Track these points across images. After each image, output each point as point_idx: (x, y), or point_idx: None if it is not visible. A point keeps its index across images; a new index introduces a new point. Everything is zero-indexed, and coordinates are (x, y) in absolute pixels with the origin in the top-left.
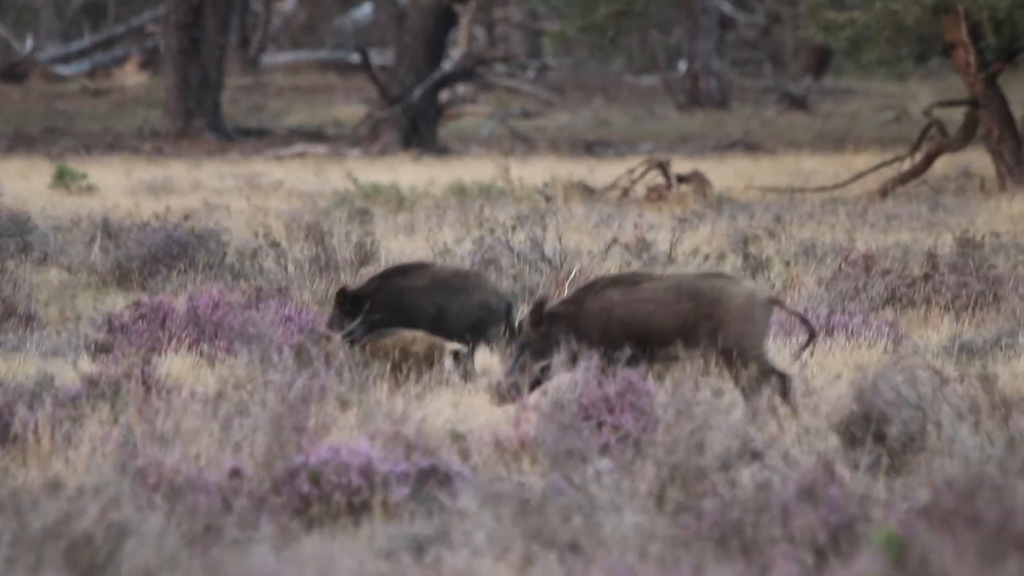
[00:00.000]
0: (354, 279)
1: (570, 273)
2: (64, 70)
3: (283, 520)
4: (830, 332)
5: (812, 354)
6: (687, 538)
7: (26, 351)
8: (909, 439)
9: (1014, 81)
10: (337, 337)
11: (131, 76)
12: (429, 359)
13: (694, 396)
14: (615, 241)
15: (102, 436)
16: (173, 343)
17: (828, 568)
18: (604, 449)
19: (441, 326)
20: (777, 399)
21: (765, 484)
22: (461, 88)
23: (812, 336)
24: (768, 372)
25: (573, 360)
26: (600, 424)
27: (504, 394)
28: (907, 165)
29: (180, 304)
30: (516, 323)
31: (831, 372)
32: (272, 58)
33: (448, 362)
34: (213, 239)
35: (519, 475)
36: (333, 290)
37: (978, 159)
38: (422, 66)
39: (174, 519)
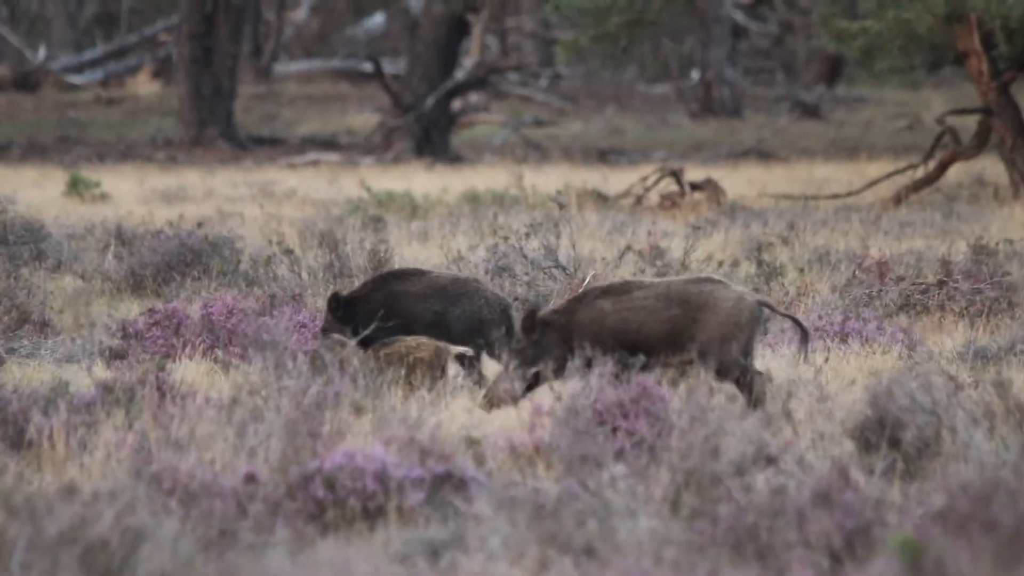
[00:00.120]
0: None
1: (584, 280)
2: (77, 79)
3: (298, 525)
4: (844, 339)
5: (827, 359)
6: (702, 543)
7: (41, 358)
8: (924, 444)
9: None
10: (352, 343)
11: (144, 85)
12: (435, 365)
13: (709, 402)
14: (629, 248)
15: (117, 442)
16: (187, 349)
17: (843, 573)
18: (619, 454)
19: (442, 332)
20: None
21: (780, 489)
22: (474, 97)
23: (806, 337)
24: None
25: (588, 365)
26: (615, 429)
27: (495, 400)
28: (920, 173)
29: (194, 311)
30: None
31: (846, 378)
32: (285, 67)
33: (454, 367)
34: (227, 246)
35: (534, 480)
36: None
37: (991, 167)
38: (435, 75)
39: (189, 524)
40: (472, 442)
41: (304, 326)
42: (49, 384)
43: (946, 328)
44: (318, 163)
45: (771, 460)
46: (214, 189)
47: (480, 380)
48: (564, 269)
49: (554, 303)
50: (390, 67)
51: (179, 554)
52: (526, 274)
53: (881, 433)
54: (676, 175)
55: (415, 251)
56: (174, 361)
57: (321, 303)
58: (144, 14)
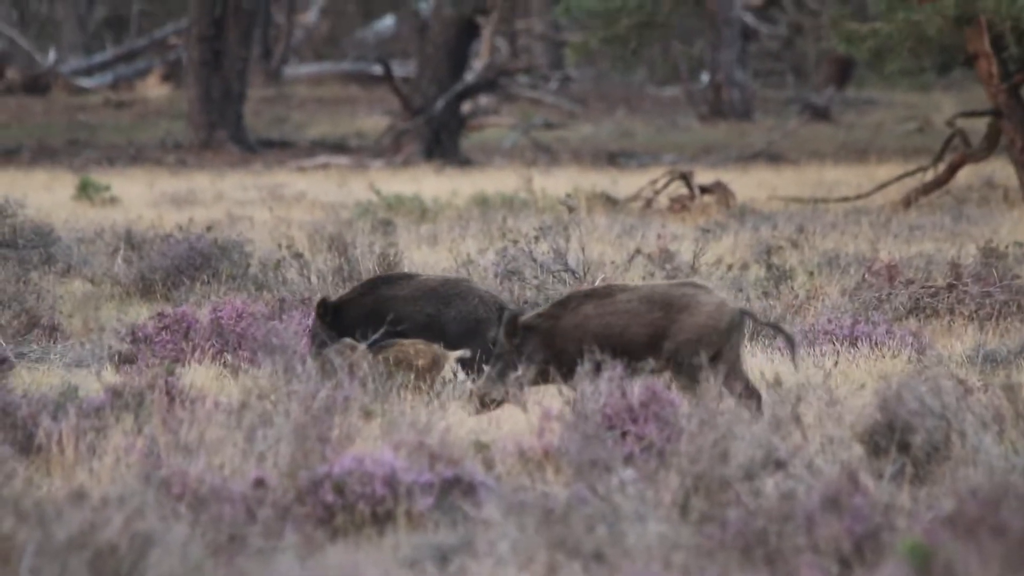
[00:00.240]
0: None
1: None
2: (87, 82)
3: (307, 530)
4: (854, 342)
5: (836, 363)
6: (711, 548)
7: (50, 362)
8: (933, 448)
9: None
10: (362, 347)
11: (154, 88)
12: (434, 370)
13: (718, 406)
14: (638, 251)
15: (126, 446)
16: (197, 354)
17: None
18: (628, 459)
19: (436, 334)
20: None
21: (789, 493)
22: (483, 99)
23: (792, 344)
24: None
25: (597, 370)
26: (624, 434)
27: (479, 404)
28: (930, 175)
29: (203, 315)
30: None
31: (855, 382)
32: (294, 70)
33: (453, 368)
34: (236, 250)
35: (543, 485)
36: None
37: (1001, 169)
38: (444, 78)
39: (198, 529)
40: (481, 447)
41: None
42: (58, 388)
43: (956, 332)
44: (328, 166)
45: (780, 464)
46: (224, 192)
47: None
48: (574, 272)
49: (537, 308)
50: (400, 70)
51: (188, 559)
52: (535, 278)
53: (890, 437)
54: (686, 178)
55: (424, 254)
56: (183, 365)
57: None
58: (154, 17)
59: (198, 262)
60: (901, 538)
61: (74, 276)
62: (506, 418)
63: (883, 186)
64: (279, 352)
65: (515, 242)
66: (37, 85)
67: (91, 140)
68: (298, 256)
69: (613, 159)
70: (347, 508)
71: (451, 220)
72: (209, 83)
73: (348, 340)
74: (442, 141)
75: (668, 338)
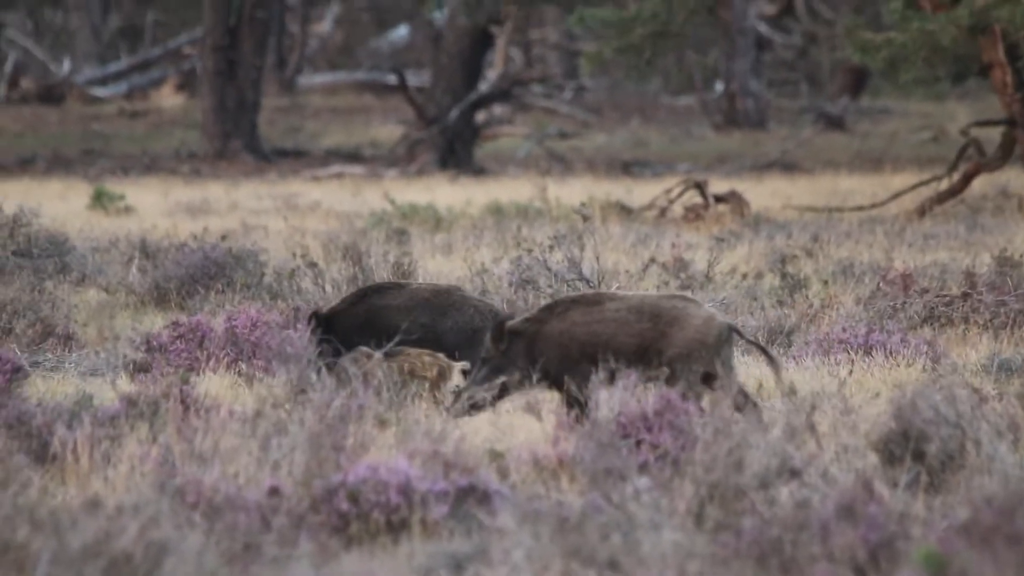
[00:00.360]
0: None
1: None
2: (101, 92)
3: (322, 538)
4: (868, 351)
5: (851, 372)
6: (726, 556)
7: (65, 371)
8: (948, 457)
9: None
10: (377, 355)
11: (168, 98)
12: (440, 381)
13: (732, 414)
14: (653, 260)
15: (141, 455)
16: (211, 363)
17: None
18: (643, 467)
19: (432, 345)
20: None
21: (804, 502)
22: (498, 109)
23: (775, 365)
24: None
25: (612, 378)
26: (639, 442)
27: (462, 409)
28: (945, 185)
29: (218, 324)
30: None
31: (870, 390)
32: (309, 79)
33: (458, 380)
34: (251, 259)
35: (558, 493)
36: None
37: (1016, 178)
38: (459, 87)
39: (213, 537)
40: (496, 455)
41: None
42: (73, 397)
43: (970, 340)
44: (342, 175)
45: (795, 473)
46: (238, 202)
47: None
48: (588, 281)
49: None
50: (414, 79)
51: (203, 568)
52: (550, 286)
53: (905, 446)
54: (700, 187)
55: (439, 263)
56: (198, 374)
57: None
58: (168, 27)
59: (212, 271)
60: (916, 547)
61: (89, 285)
62: (521, 426)
63: (898, 195)
64: (293, 361)
65: (529, 251)
66: (52, 95)
67: (106, 150)
68: (312, 265)
69: (627, 168)
70: (362, 516)
71: (465, 229)
72: (223, 93)
73: (364, 348)
74: (456, 150)
75: (659, 352)
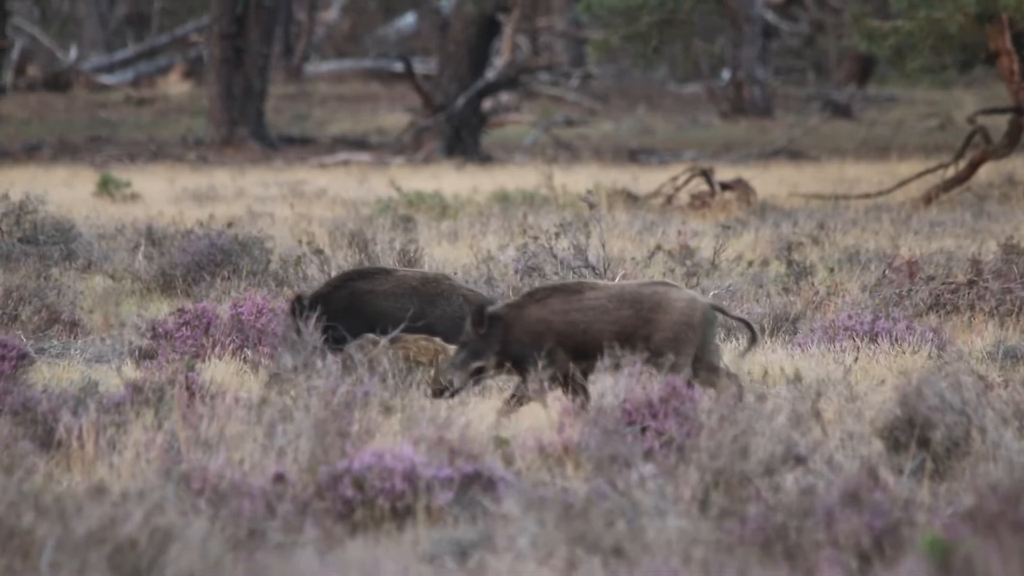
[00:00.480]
0: None
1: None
2: (108, 79)
3: (327, 525)
4: (874, 338)
5: (856, 359)
6: (731, 543)
7: (71, 357)
8: (953, 444)
9: None
10: (383, 341)
11: (175, 85)
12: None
13: (737, 401)
14: (659, 248)
15: (146, 442)
16: (217, 349)
17: (872, 572)
18: (648, 454)
19: (420, 332)
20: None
21: (809, 489)
22: (504, 96)
23: (754, 339)
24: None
25: (616, 366)
26: (644, 429)
27: (439, 390)
28: (951, 172)
29: (224, 311)
30: None
31: (875, 378)
32: (316, 67)
33: None
34: (257, 246)
35: (563, 480)
36: None
37: (1022, 166)
38: (465, 75)
39: (218, 523)
40: (501, 442)
41: None
42: (79, 384)
43: (976, 328)
44: (348, 163)
45: (800, 460)
46: (244, 189)
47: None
48: (594, 269)
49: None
50: (421, 67)
51: (208, 554)
52: (556, 274)
53: (910, 433)
54: (706, 175)
55: (445, 251)
56: (203, 361)
57: None
58: (175, 14)
59: (218, 258)
60: (921, 533)
61: (95, 272)
62: (526, 413)
63: (904, 183)
64: (299, 348)
65: (535, 238)
66: (58, 82)
67: (112, 137)
68: (318, 252)
69: (634, 156)
70: (367, 503)
71: (471, 217)
72: (230, 80)
73: (370, 336)
74: (463, 138)
75: (646, 338)
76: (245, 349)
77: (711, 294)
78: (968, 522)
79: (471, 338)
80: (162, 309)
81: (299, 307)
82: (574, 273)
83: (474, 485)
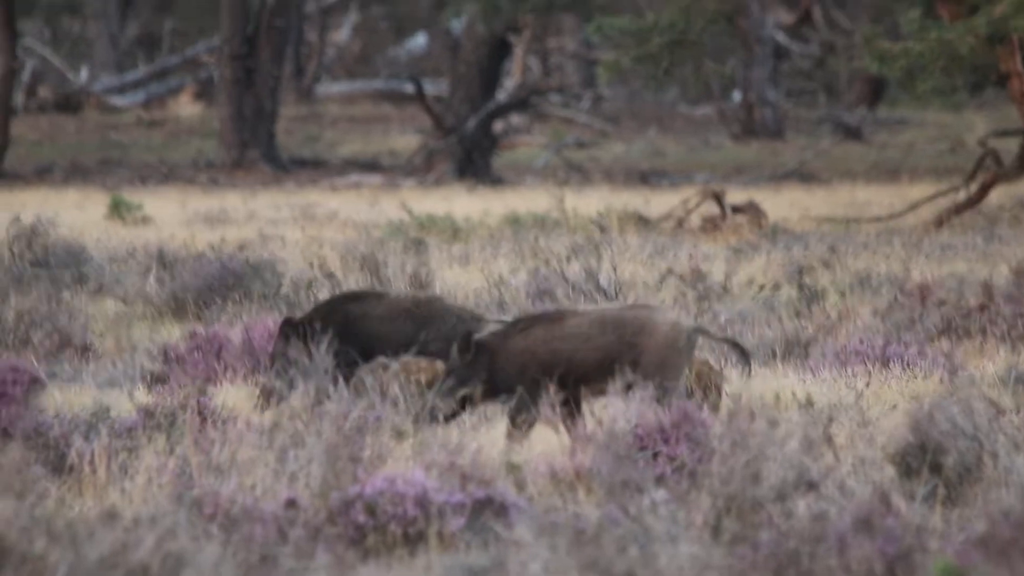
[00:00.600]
0: None
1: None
2: (119, 101)
3: (339, 550)
4: (886, 363)
5: (868, 384)
6: (743, 569)
7: (82, 382)
8: (965, 470)
9: None
10: (394, 366)
11: (186, 107)
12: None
13: (749, 427)
14: (670, 271)
15: (158, 467)
16: (228, 374)
17: None
18: (660, 480)
19: (414, 354)
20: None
21: (821, 515)
22: (515, 118)
23: (746, 359)
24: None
25: (628, 389)
26: (656, 455)
27: (426, 418)
28: (962, 195)
29: (235, 335)
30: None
31: (887, 403)
32: (327, 88)
33: None
34: (268, 269)
35: (575, 505)
36: None
37: None
38: (476, 96)
39: (230, 549)
40: (513, 467)
41: None
42: (90, 409)
43: (988, 352)
44: (360, 185)
45: (812, 485)
46: (256, 211)
47: None
48: (605, 292)
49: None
50: (432, 88)
51: None
52: (567, 297)
53: (922, 458)
54: (718, 197)
55: (456, 274)
56: (215, 385)
57: None
58: (186, 35)
59: (230, 281)
60: (933, 559)
61: (106, 295)
62: (538, 438)
63: (915, 206)
64: (311, 372)
65: (547, 262)
66: (69, 103)
67: (123, 159)
68: (330, 276)
69: (645, 178)
70: (378, 529)
71: (483, 240)
72: (241, 102)
73: (382, 359)
74: (474, 160)
75: (633, 363)
76: (257, 373)
77: (722, 319)
78: (980, 548)
79: (457, 365)
80: (174, 333)
81: (289, 331)
82: (585, 297)
83: (486, 510)
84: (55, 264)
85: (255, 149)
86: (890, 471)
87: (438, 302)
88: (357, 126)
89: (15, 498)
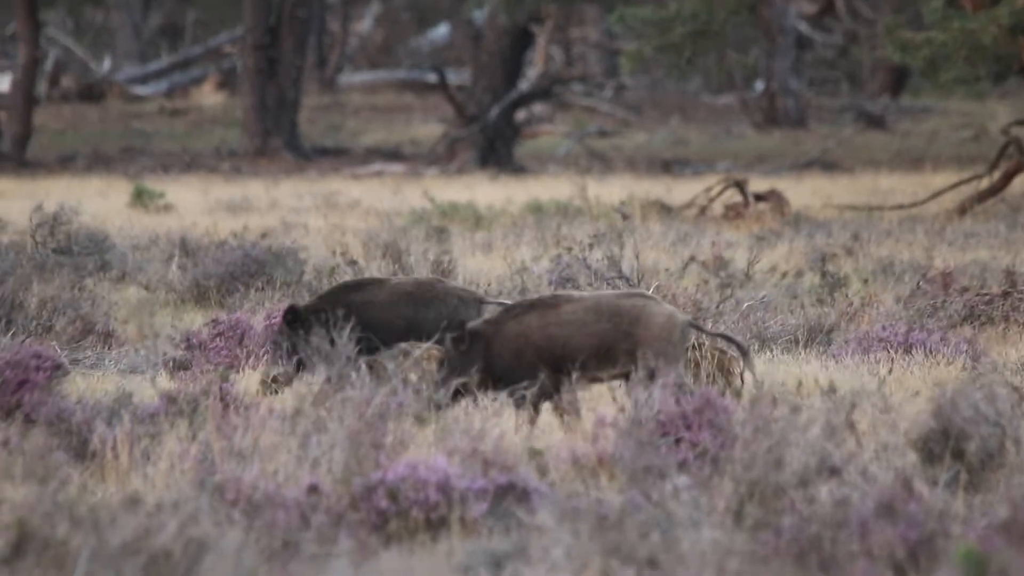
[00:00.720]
0: None
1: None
2: (142, 90)
3: (361, 536)
4: (908, 349)
5: (891, 370)
6: (765, 554)
7: (105, 368)
8: (988, 456)
9: None
10: (416, 353)
11: (208, 96)
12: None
13: (771, 412)
14: (692, 259)
15: (180, 452)
16: (251, 360)
17: None
18: (682, 465)
19: (417, 338)
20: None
21: (843, 500)
22: (538, 107)
23: (744, 353)
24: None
25: (651, 377)
26: (678, 440)
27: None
28: (985, 183)
29: (258, 322)
30: None
31: (909, 389)
32: (349, 78)
33: None
34: (291, 257)
35: (597, 491)
36: None
37: None
38: (499, 86)
39: (252, 535)
40: (535, 453)
41: None
42: (113, 395)
43: (1010, 339)
44: (382, 174)
45: (834, 471)
46: (278, 200)
47: None
48: (628, 280)
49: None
50: (454, 78)
51: (242, 565)
52: (590, 285)
53: (945, 444)
54: (740, 186)
55: (479, 262)
56: (238, 372)
57: None
58: (209, 25)
59: (252, 269)
60: (956, 545)
61: (129, 283)
62: (560, 424)
63: (938, 194)
64: (333, 359)
65: (569, 249)
66: (92, 93)
67: (146, 148)
68: (352, 263)
69: (667, 167)
70: (401, 514)
71: (505, 228)
72: (264, 91)
73: (403, 345)
74: (496, 149)
75: (628, 353)
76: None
77: (745, 305)
78: (1003, 534)
79: (452, 354)
80: (196, 320)
81: (294, 318)
82: (608, 284)
83: (508, 496)
84: (78, 252)
85: (277, 138)
86: (912, 457)
87: (440, 284)
88: (379, 115)
89: (38, 483)
